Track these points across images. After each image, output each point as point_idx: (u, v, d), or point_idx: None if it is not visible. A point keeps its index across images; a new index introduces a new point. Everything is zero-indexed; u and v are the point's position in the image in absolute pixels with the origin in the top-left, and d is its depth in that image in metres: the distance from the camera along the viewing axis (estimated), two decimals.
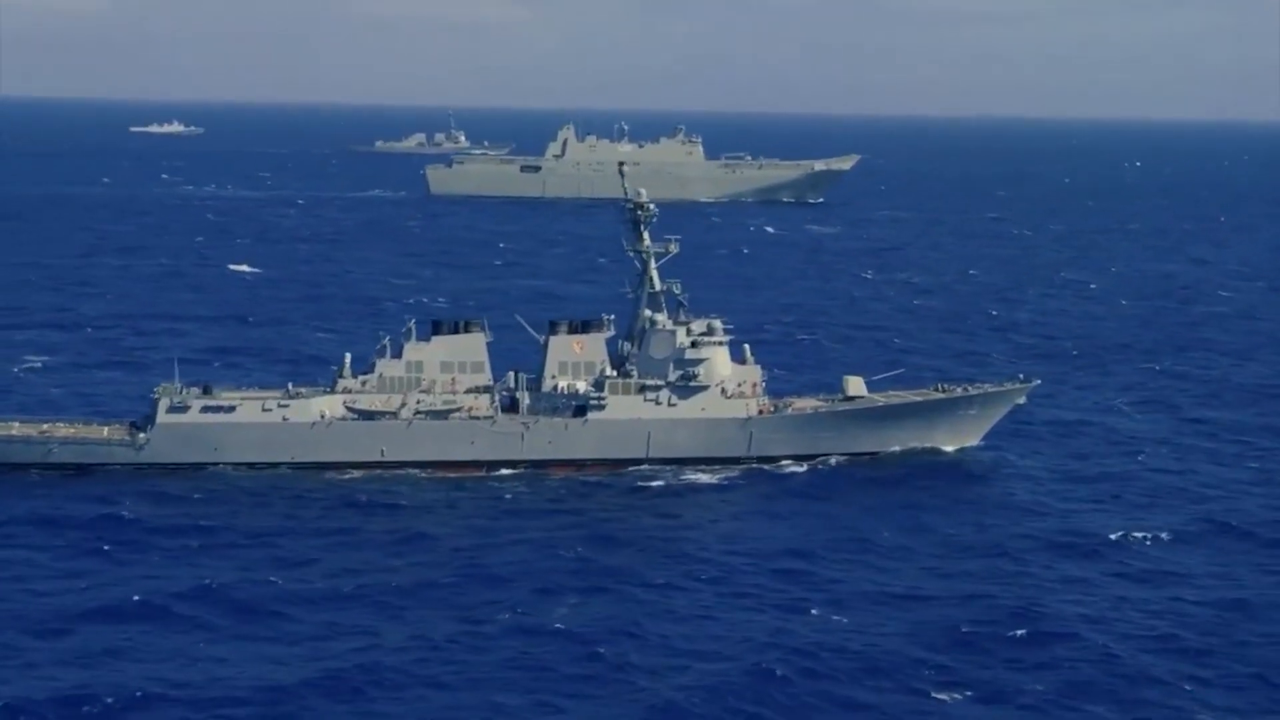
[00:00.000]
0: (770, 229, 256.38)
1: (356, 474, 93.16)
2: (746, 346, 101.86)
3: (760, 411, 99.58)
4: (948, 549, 77.54)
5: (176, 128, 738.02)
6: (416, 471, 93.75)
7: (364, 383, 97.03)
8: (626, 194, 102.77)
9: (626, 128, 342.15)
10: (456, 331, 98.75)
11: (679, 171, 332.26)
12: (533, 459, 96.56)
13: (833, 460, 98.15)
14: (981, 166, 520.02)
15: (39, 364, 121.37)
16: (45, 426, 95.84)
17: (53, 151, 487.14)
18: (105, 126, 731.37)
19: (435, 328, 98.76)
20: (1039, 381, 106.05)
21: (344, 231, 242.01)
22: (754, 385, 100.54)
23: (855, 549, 77.32)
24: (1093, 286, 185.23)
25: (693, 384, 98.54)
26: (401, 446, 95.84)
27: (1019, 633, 64.33)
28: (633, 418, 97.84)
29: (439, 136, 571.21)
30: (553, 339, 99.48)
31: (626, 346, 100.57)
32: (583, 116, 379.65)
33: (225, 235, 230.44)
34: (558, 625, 64.77)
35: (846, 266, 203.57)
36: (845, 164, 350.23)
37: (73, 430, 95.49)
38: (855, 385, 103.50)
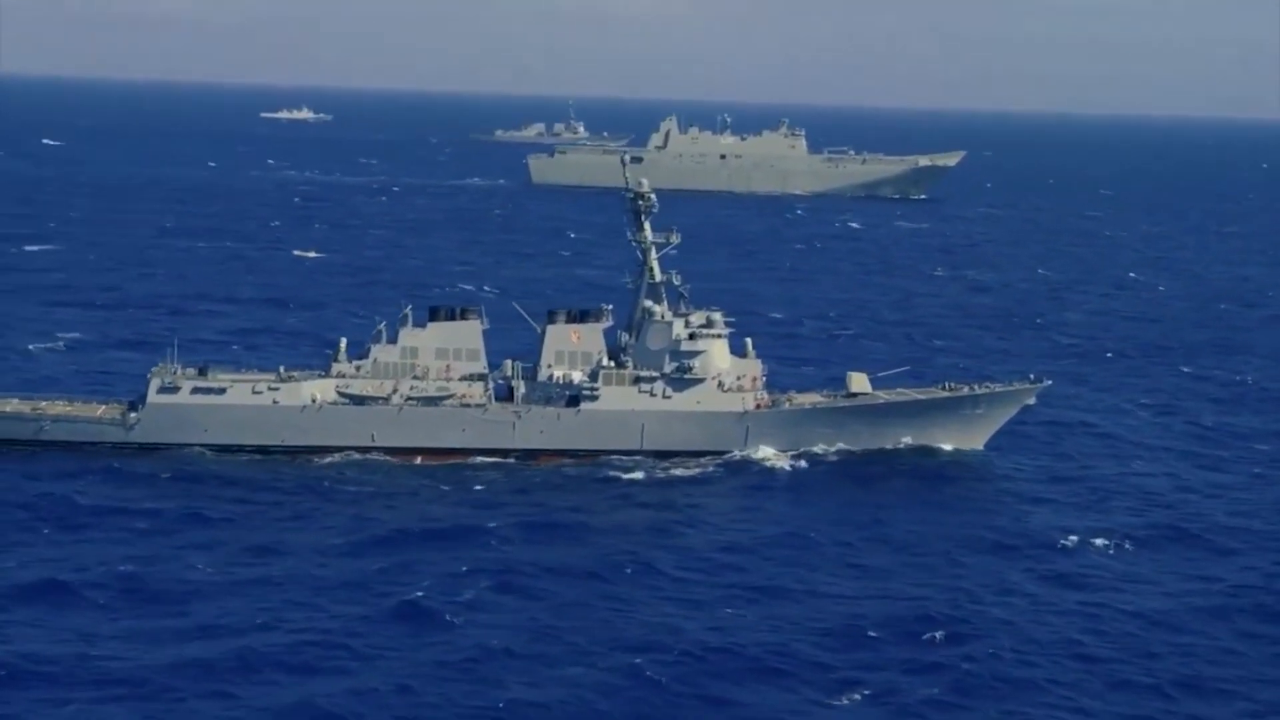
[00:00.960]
0: (855, 224, 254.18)
1: (335, 458, 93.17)
2: (748, 340, 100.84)
3: (757, 406, 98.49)
4: (897, 549, 76.37)
5: (305, 114, 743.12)
6: (390, 459, 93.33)
7: (358, 368, 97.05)
8: (627, 183, 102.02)
9: (729, 119, 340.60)
10: (453, 318, 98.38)
11: (780, 165, 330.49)
12: (524, 448, 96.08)
13: (828, 457, 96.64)
14: (1099, 164, 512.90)
15: (62, 342, 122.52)
16: (43, 404, 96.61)
17: (179, 133, 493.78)
18: (238, 112, 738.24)
19: (432, 314, 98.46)
20: (1049, 382, 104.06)
21: (425, 218, 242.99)
22: (754, 379, 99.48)
23: (795, 546, 76.20)
24: (1160, 288, 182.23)
25: (687, 376, 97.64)
26: (392, 432, 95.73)
27: (934, 634, 63.27)
28: (626, 409, 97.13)
29: (558, 126, 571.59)
30: (550, 328, 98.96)
31: (625, 337, 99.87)
32: (686, 109, 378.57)
33: (303, 221, 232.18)
34: (451, 617, 64.36)
35: (916, 263, 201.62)
36: (950, 160, 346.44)
37: (69, 408, 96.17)
38: (859, 381, 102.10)
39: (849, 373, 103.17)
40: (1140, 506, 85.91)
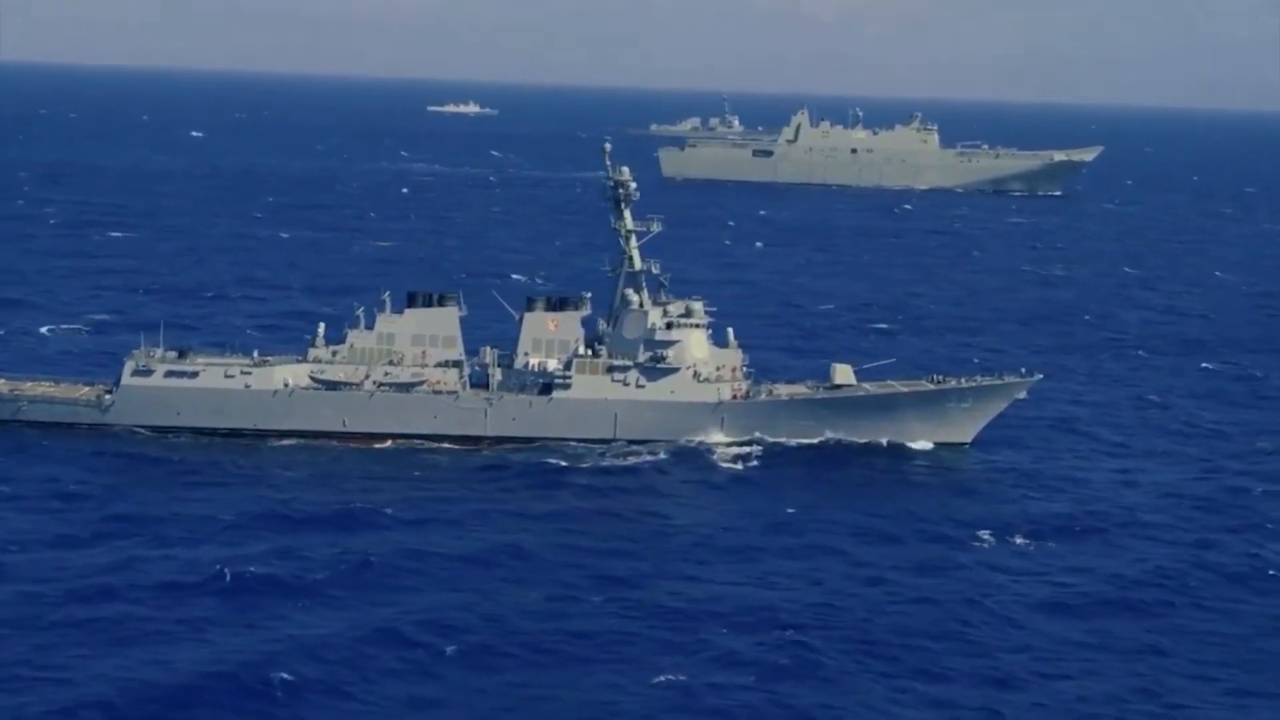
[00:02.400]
0: (959, 222, 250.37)
1: (290, 442, 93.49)
2: (730, 330, 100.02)
3: (734, 396, 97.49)
4: (789, 539, 75.77)
5: (472, 108, 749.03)
6: (351, 444, 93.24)
7: (334, 353, 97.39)
8: (609, 171, 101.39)
9: (860, 114, 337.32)
10: (430, 305, 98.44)
11: (912, 160, 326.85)
12: (497, 435, 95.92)
13: (786, 448, 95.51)
14: (1253, 162, 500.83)
15: (86, 325, 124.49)
16: (27, 384, 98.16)
17: (331, 127, 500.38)
18: (406, 105, 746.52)
19: (410, 300, 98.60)
20: (1040, 376, 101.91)
21: (517, 210, 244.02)
22: (733, 370, 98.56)
23: (683, 534, 75.75)
24: (1243, 288, 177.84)
25: (661, 366, 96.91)
26: (363, 418, 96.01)
27: (785, 630, 62.53)
28: (599, 398, 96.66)
29: (713, 120, 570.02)
30: (528, 315, 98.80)
31: (603, 326, 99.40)
32: (817, 102, 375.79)
33: (400, 212, 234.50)
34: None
35: (1001, 260, 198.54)
36: (1087, 155, 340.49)
37: (50, 389, 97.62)
38: (843, 373, 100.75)
39: (833, 364, 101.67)
40: (1076, 503, 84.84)
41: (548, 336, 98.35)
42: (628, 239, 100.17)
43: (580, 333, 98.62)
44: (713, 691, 55.12)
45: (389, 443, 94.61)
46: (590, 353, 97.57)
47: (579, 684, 55.77)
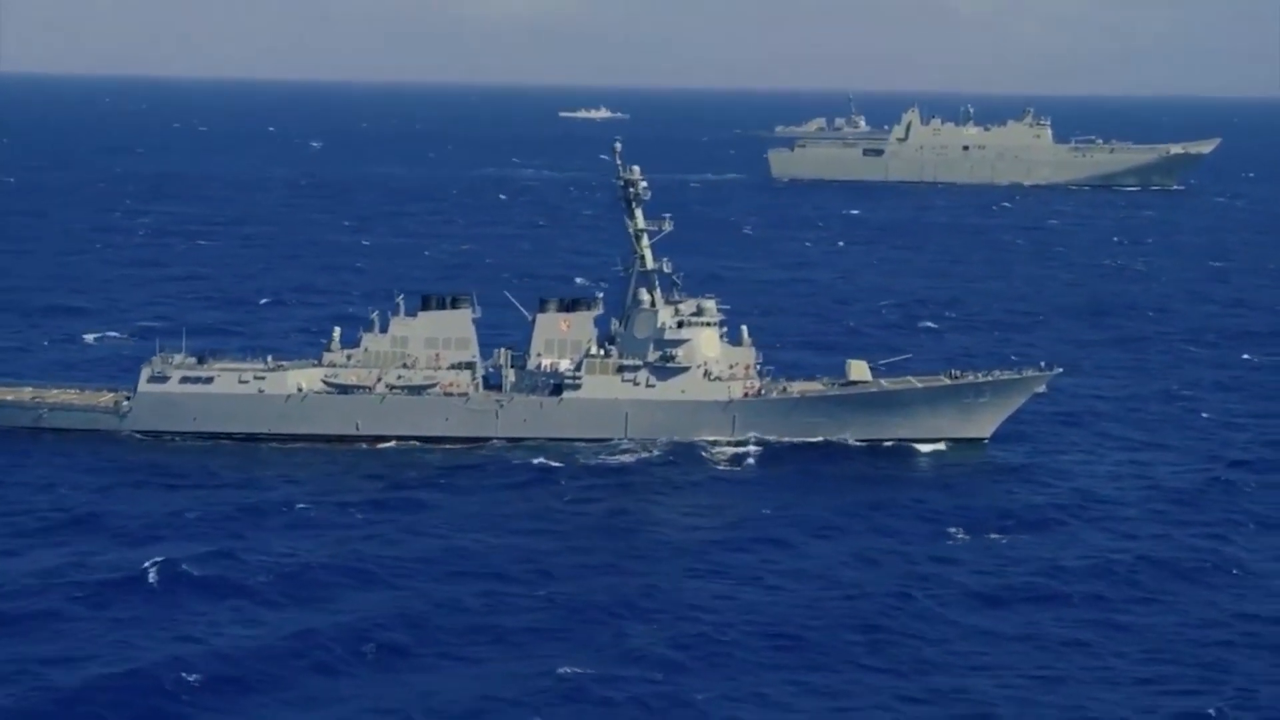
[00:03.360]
0: (1056, 218, 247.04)
1: (300, 446, 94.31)
2: (744, 328, 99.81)
3: (745, 394, 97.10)
4: (750, 539, 75.43)
5: (603, 113, 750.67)
6: (364, 446, 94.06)
7: (349, 356, 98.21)
8: (620, 170, 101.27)
9: (972, 110, 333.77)
10: (444, 307, 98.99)
11: (1025, 155, 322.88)
12: (508, 436, 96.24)
13: (786, 445, 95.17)
14: None
15: (129, 333, 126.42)
16: (54, 391, 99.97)
17: (451, 135, 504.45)
18: (538, 112, 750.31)
19: (424, 302, 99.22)
20: (1060, 369, 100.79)
21: (606, 214, 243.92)
22: (746, 368, 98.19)
23: (641, 539, 75.68)
24: None
25: (671, 365, 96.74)
26: (376, 421, 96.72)
27: (707, 624, 62.68)
28: (609, 398, 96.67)
29: (839, 120, 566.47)
30: (540, 316, 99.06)
31: (615, 325, 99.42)
32: (928, 100, 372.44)
33: (496, 215, 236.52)
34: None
35: (1083, 255, 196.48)
36: (1205, 147, 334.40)
37: (73, 396, 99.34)
38: (858, 369, 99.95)
39: (849, 361, 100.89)
40: (1061, 497, 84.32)
41: (560, 337, 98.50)
42: (639, 238, 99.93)
43: (593, 333, 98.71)
44: (608, 684, 55.25)
45: (393, 443, 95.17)
46: (602, 353, 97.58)
47: (481, 678, 56.08)
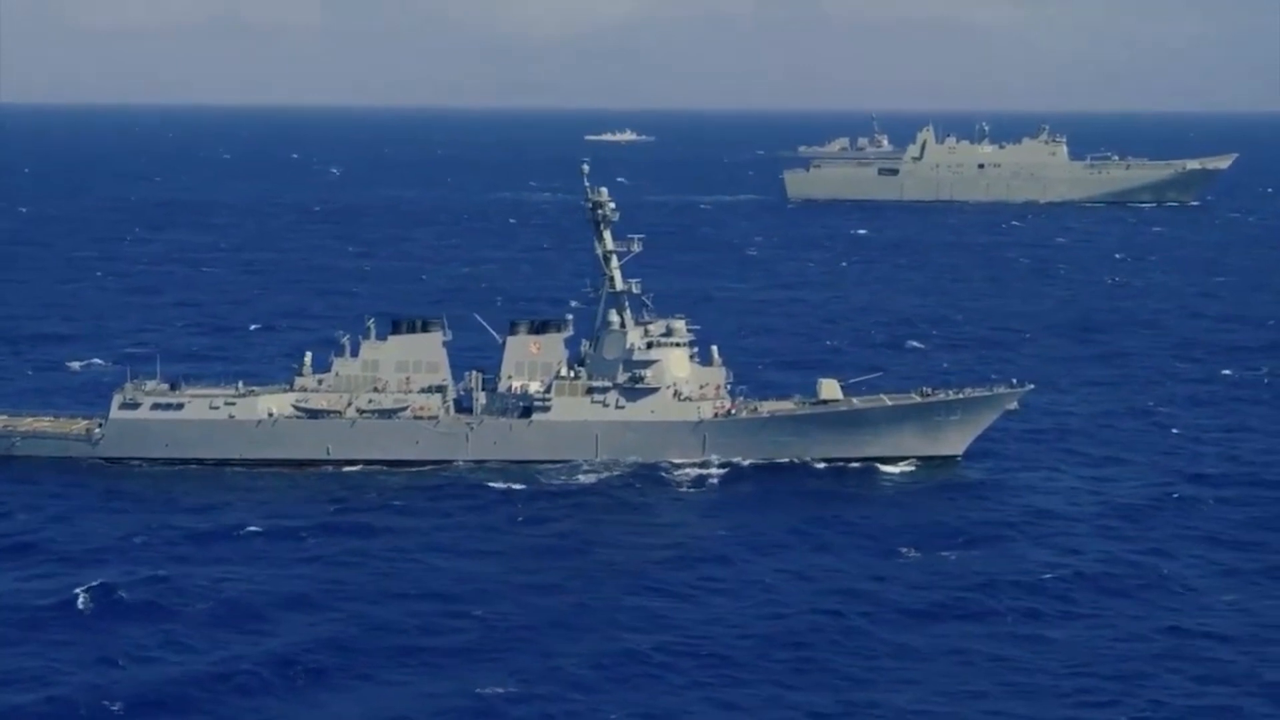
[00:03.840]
0: (1065, 235, 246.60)
1: (257, 471, 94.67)
2: (714, 348, 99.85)
3: (715, 414, 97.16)
4: (690, 558, 75.75)
5: (629, 136, 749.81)
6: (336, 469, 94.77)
7: (320, 381, 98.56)
8: (588, 192, 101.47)
9: (987, 128, 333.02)
10: (414, 331, 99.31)
11: (1040, 173, 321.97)
12: (477, 459, 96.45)
13: (746, 465, 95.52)
14: None
15: (112, 360, 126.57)
16: (28, 419, 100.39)
17: (473, 159, 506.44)
18: (566, 135, 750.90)
19: (394, 326, 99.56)
20: (1031, 386, 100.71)
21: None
22: (716, 388, 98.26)
23: (580, 560, 75.79)
24: None
25: (639, 386, 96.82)
26: (347, 445, 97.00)
27: (631, 643, 63.06)
28: (579, 419, 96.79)
29: (861, 140, 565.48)
30: (510, 339, 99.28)
31: (586, 347, 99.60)
32: (949, 119, 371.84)
33: (497, 240, 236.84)
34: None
35: (1084, 272, 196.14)
36: (1222, 163, 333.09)
37: (46, 424, 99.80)
38: (829, 388, 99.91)
39: (820, 379, 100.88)
40: (1022, 514, 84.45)
41: (530, 359, 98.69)
42: (608, 260, 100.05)
43: (564, 355, 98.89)
44: (524, 702, 55.68)
45: (359, 467, 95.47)
46: (572, 374, 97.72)
47: (399, 699, 56.44)
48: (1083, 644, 62.64)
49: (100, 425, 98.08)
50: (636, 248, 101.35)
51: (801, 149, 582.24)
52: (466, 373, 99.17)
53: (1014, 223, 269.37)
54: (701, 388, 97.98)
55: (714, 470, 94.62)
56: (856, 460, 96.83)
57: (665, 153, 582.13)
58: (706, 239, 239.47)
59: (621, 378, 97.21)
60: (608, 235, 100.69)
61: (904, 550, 76.82)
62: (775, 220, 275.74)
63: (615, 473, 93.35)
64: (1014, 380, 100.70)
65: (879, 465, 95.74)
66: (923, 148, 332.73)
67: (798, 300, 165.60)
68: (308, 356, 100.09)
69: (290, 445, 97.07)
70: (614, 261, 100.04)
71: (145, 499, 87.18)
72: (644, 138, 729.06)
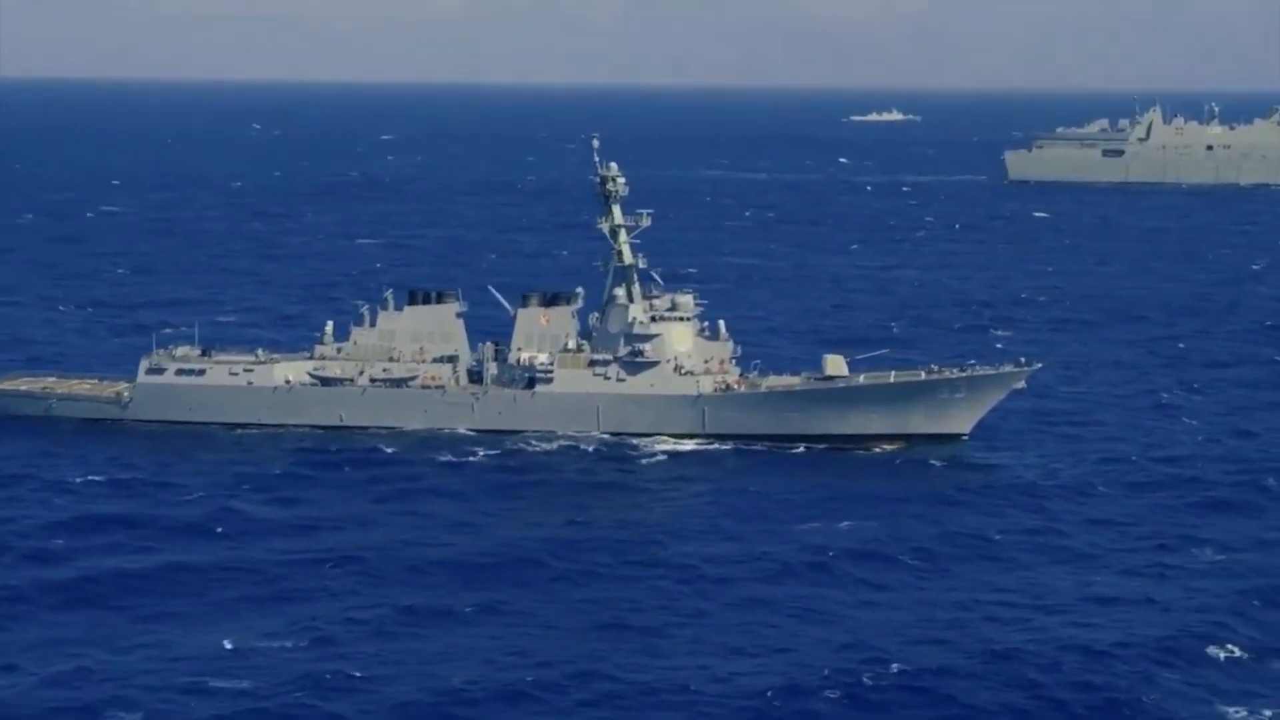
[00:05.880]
0: (1251, 224, 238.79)
1: (251, 431, 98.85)
2: (721, 322, 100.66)
3: (715, 389, 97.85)
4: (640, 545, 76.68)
5: (895, 116, 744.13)
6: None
7: (339, 350, 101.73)
8: (597, 167, 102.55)
9: (1217, 109, 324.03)
10: (429, 302, 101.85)
11: (1273, 154, 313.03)
12: (484, 429, 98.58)
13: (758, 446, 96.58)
14: None
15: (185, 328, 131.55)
16: (74, 381, 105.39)
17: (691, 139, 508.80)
18: (825, 115, 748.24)
19: (410, 297, 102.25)
20: (1039, 365, 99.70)
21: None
22: (721, 362, 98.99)
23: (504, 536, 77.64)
24: None
25: (640, 360, 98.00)
26: (358, 412, 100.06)
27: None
28: (581, 391, 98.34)
29: (1122, 122, 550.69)
30: (521, 311, 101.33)
31: (594, 320, 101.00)
32: (1171, 98, 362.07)
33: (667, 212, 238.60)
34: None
35: (1234, 255, 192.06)
36: None
37: (88, 387, 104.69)
38: (834, 365, 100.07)
39: (825, 355, 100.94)
40: (981, 486, 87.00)
41: (540, 331, 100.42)
42: (616, 234, 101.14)
43: (573, 327, 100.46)
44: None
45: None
46: (577, 347, 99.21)
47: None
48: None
49: (129, 389, 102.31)
50: (646, 222, 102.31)
51: (1060, 129, 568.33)
52: (481, 343, 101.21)
53: (1239, 205, 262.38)
54: (706, 362, 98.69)
55: (687, 446, 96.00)
56: (860, 437, 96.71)
57: (921, 133, 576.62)
58: (867, 220, 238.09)
59: (622, 351, 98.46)
60: (616, 210, 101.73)
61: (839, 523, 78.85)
62: (959, 204, 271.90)
63: (590, 448, 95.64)
64: (1021, 359, 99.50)
65: (885, 441, 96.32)
66: (1148, 128, 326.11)
67: (891, 278, 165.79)
68: (329, 325, 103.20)
69: (305, 411, 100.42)
70: (622, 236, 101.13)
71: (102, 467, 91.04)
72: (910, 117, 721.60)
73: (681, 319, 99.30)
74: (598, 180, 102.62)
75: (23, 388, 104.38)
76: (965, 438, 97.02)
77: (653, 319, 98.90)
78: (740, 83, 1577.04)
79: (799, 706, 54.20)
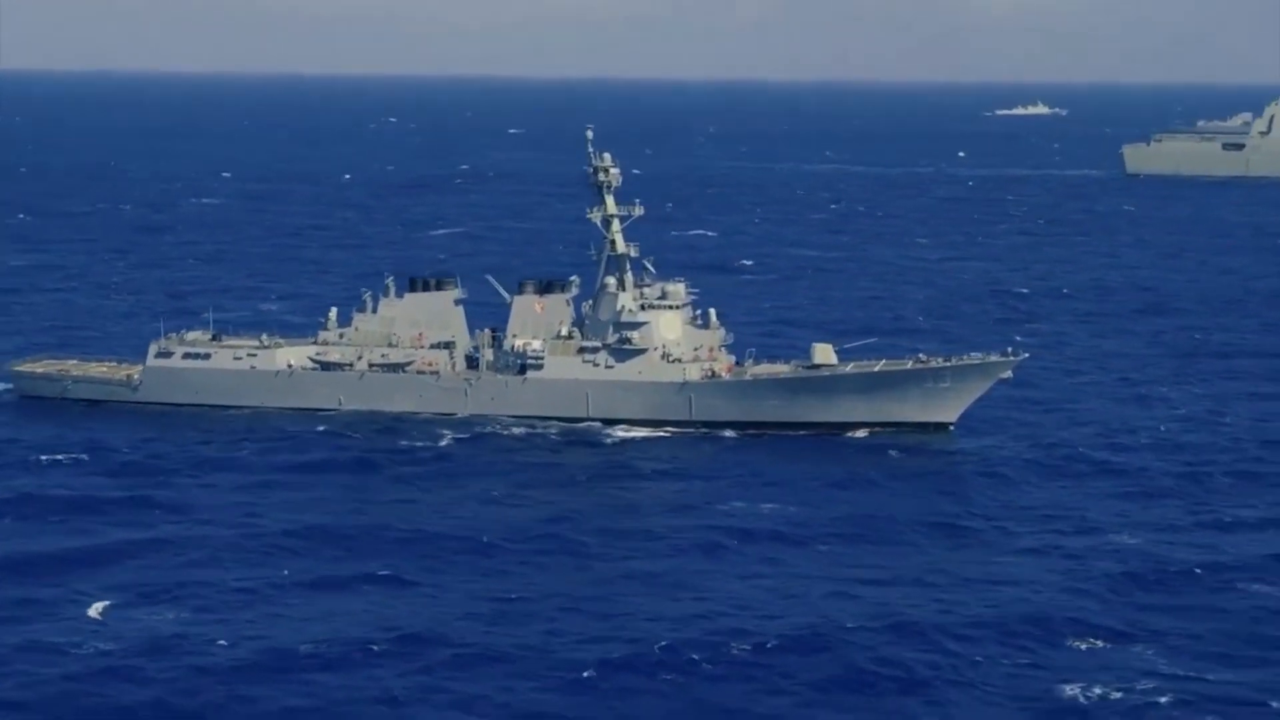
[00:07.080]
0: None
1: (241, 414, 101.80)
2: (712, 311, 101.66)
3: (701, 377, 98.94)
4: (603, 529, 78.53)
5: (1040, 109, 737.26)
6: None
7: (341, 335, 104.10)
8: (590, 158, 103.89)
9: None
10: (429, 289, 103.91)
11: None
12: (476, 414, 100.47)
13: (728, 434, 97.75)
14: None
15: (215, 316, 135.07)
16: (92, 364, 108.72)
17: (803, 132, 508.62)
18: (967, 111, 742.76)
19: (410, 284, 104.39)
20: (1026, 355, 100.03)
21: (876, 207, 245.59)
22: (711, 350, 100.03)
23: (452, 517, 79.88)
24: None
25: (627, 347, 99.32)
26: (356, 396, 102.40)
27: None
28: (570, 378, 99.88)
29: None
30: (517, 298, 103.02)
31: (586, 308, 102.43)
32: None
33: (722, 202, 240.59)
34: None
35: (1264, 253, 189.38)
36: None
37: (104, 369, 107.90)
38: (822, 353, 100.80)
39: (814, 344, 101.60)
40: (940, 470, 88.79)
41: (534, 318, 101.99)
42: (608, 224, 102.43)
43: (567, 315, 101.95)
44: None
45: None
46: (568, 334, 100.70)
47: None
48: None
49: (139, 372, 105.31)
50: (638, 211, 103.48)
51: (1200, 123, 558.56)
52: (479, 330, 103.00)
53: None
54: (695, 350, 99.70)
55: (654, 432, 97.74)
56: (845, 425, 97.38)
57: (1065, 126, 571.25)
58: (955, 214, 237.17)
59: (611, 338, 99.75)
60: (610, 200, 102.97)
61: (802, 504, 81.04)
62: (1058, 197, 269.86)
63: (552, 434, 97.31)
64: (1009, 349, 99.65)
65: (872, 429, 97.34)
66: (1270, 122, 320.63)
67: (945, 269, 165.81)
68: (333, 312, 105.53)
69: (305, 395, 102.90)
70: (615, 225, 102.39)
71: (72, 446, 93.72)
72: (1056, 110, 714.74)
73: (671, 307, 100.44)
74: (590, 170, 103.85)
75: (40, 370, 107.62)
76: (952, 427, 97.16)
77: (642, 307, 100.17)
78: (887, 78, 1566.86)
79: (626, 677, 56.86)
